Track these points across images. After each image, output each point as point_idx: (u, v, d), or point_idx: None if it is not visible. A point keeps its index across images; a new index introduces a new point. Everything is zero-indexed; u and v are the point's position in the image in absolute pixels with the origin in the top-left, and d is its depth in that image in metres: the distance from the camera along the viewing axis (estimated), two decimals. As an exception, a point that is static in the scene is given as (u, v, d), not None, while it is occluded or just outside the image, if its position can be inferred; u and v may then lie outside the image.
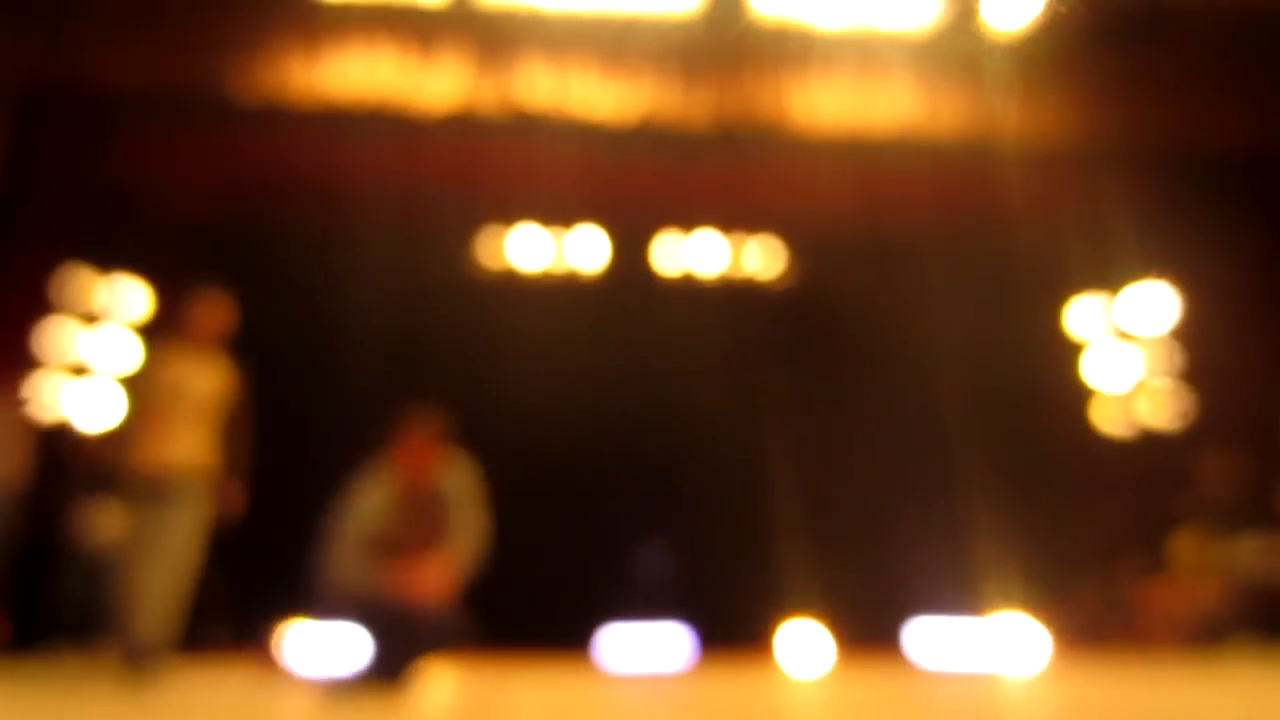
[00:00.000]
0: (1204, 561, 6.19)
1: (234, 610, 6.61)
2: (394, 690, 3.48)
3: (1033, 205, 7.37)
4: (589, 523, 7.60)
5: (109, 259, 7.04)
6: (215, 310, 4.37)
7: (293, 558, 4.14)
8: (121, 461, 4.11)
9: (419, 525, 3.85)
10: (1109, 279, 7.80)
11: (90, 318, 6.96)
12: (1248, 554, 5.91)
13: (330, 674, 3.51)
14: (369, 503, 3.84)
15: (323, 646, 3.59)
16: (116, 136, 6.87)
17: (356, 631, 3.59)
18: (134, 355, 7.08)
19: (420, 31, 6.54)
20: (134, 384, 4.38)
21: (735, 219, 8.07)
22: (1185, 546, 6.42)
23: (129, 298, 7.22)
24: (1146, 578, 6.83)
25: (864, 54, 6.68)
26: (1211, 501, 6.19)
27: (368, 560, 3.73)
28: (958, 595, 7.23)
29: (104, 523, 5.58)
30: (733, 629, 7.14)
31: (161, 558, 4.04)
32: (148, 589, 4.01)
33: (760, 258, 8.33)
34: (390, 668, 3.56)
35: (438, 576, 3.75)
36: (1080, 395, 8.14)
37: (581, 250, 8.01)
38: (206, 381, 4.26)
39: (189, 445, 4.16)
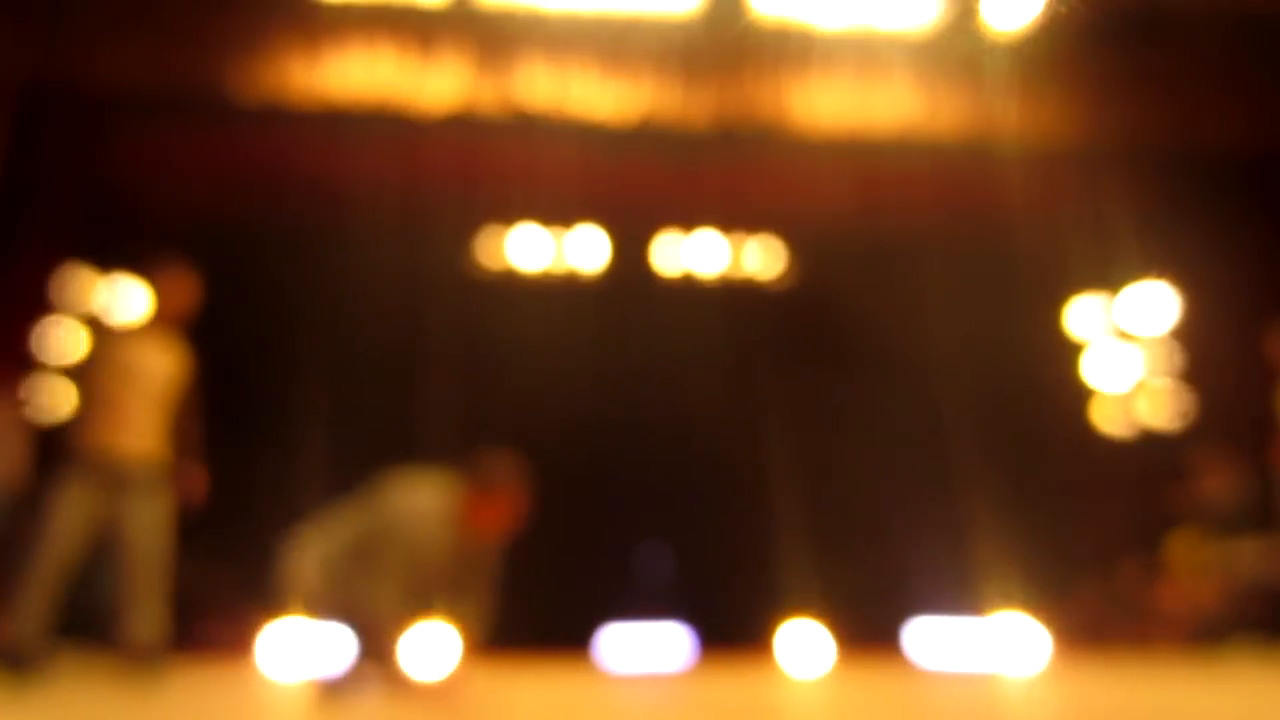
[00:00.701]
0: (1203, 562, 6.19)
1: (230, 608, 6.61)
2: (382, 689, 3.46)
3: (1033, 205, 7.37)
4: (589, 523, 7.60)
5: (109, 259, 7.04)
6: (178, 290, 4.18)
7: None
8: (77, 448, 3.94)
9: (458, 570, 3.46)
10: (1109, 279, 7.80)
11: (90, 318, 6.96)
12: (1246, 555, 5.91)
13: (323, 673, 3.50)
14: (432, 544, 3.31)
15: (314, 645, 3.56)
16: (116, 136, 6.87)
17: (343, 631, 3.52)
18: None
19: (420, 31, 6.54)
20: (87, 366, 4.12)
21: (735, 219, 8.07)
22: (1184, 546, 6.42)
23: (129, 298, 7.22)
24: (1146, 578, 6.84)
25: (864, 54, 6.67)
26: (1210, 501, 6.19)
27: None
28: (958, 595, 7.23)
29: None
30: (733, 629, 7.14)
31: (135, 552, 3.93)
32: (128, 585, 3.91)
33: (760, 258, 8.33)
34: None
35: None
36: (1080, 395, 8.14)
37: (581, 250, 8.02)
38: (161, 364, 4.09)
39: (145, 432, 4.01)
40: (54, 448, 6.22)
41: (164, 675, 3.88)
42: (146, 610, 3.93)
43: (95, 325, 6.42)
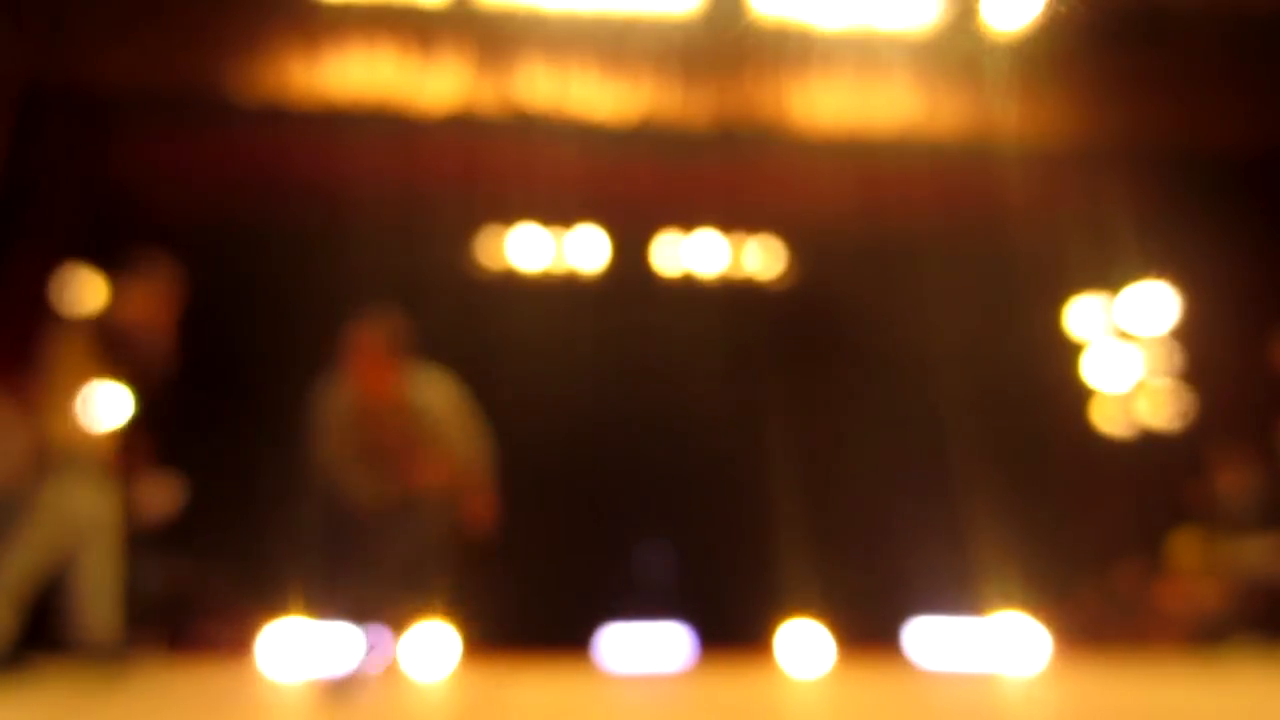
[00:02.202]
0: (1208, 561, 6.19)
1: (230, 608, 6.61)
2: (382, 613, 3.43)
3: (1033, 205, 7.37)
4: (589, 523, 7.60)
5: (109, 259, 7.04)
6: (152, 295, 4.13)
7: (288, 558, 4.11)
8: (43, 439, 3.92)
9: (389, 435, 3.70)
10: (1109, 279, 7.80)
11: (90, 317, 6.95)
12: (1253, 554, 5.91)
13: (325, 673, 3.50)
14: (330, 419, 3.69)
15: (313, 643, 3.55)
16: (116, 136, 6.87)
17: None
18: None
19: (420, 31, 6.54)
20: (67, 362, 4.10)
21: (735, 219, 8.07)
22: (1188, 546, 6.42)
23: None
24: (1147, 577, 6.83)
25: (864, 54, 6.67)
26: (1221, 500, 6.19)
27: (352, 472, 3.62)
28: (958, 595, 7.23)
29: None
30: (733, 629, 7.14)
31: (101, 543, 3.89)
32: (94, 580, 3.86)
33: (760, 258, 8.33)
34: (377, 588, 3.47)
35: (433, 470, 3.65)
36: (1080, 395, 8.14)
37: (581, 250, 8.02)
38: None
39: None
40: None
41: (127, 674, 3.80)
42: (105, 604, 3.87)
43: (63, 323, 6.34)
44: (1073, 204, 7.34)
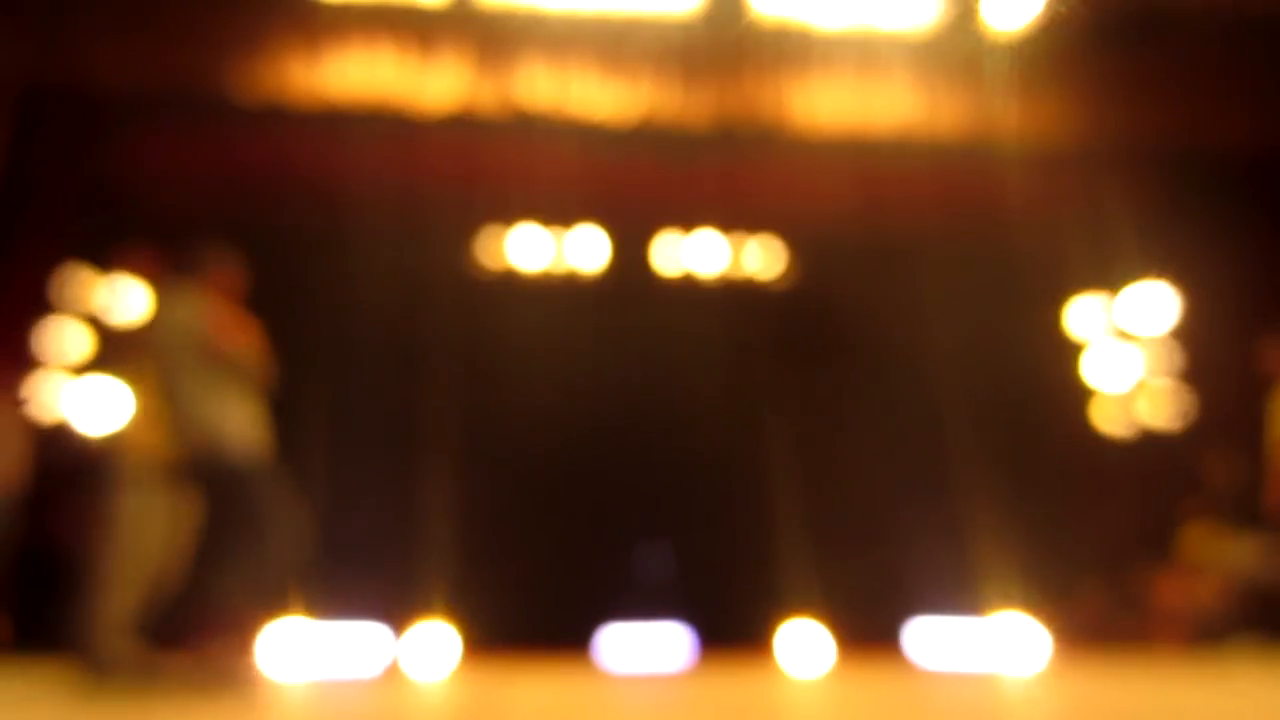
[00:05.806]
0: (1208, 561, 6.19)
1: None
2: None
3: (1033, 205, 7.37)
4: (589, 523, 7.60)
5: (109, 259, 7.03)
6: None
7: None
8: None
9: None
10: (1109, 279, 7.80)
11: (90, 318, 6.95)
12: (1251, 554, 5.91)
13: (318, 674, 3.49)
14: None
15: (307, 646, 3.54)
16: (116, 136, 6.87)
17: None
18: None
19: (420, 31, 6.54)
20: None
21: (735, 219, 8.07)
22: (1189, 546, 6.42)
23: (129, 298, 7.21)
24: (1147, 577, 6.83)
25: (864, 54, 6.68)
26: (1217, 501, 6.18)
27: None
28: (958, 595, 7.23)
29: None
30: (733, 629, 7.14)
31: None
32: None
33: (760, 258, 8.33)
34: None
35: None
36: (1080, 395, 8.14)
37: (581, 250, 8.01)
38: None
39: None
40: (53, 447, 6.22)
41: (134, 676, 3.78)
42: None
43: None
44: (1073, 204, 7.34)
